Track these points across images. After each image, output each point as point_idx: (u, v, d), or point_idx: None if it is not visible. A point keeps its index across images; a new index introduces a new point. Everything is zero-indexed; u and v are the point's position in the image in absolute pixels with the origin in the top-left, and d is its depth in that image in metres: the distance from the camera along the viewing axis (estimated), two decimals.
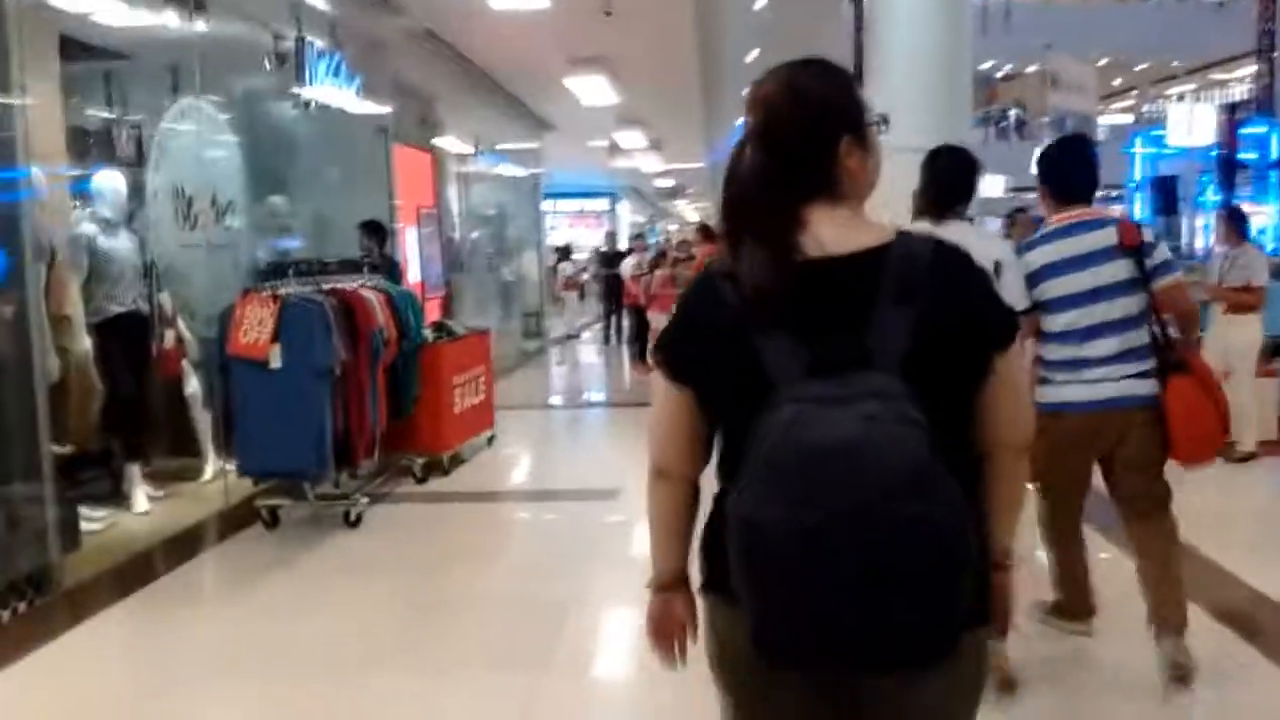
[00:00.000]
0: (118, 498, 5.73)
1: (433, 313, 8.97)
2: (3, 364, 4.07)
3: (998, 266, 2.95)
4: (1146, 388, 3.09)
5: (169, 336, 6.26)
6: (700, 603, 1.58)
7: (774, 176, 1.44)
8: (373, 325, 5.48)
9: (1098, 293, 3.09)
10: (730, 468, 1.43)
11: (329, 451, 5.03)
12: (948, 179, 3.28)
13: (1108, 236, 3.11)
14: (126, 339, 5.65)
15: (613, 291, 14.51)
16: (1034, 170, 3.32)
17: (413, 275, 9.86)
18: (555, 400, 10.84)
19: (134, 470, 5.73)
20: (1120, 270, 3.09)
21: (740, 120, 1.55)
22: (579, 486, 6.27)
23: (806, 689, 1.46)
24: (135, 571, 4.69)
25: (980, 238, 3.25)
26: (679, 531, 1.62)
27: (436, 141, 11.32)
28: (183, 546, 5.16)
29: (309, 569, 4.77)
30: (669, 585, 1.63)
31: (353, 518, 5.32)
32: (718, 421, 1.51)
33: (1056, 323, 3.14)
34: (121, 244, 5.54)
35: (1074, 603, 3.49)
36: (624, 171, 22.89)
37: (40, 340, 4.17)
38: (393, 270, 6.74)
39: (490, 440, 7.60)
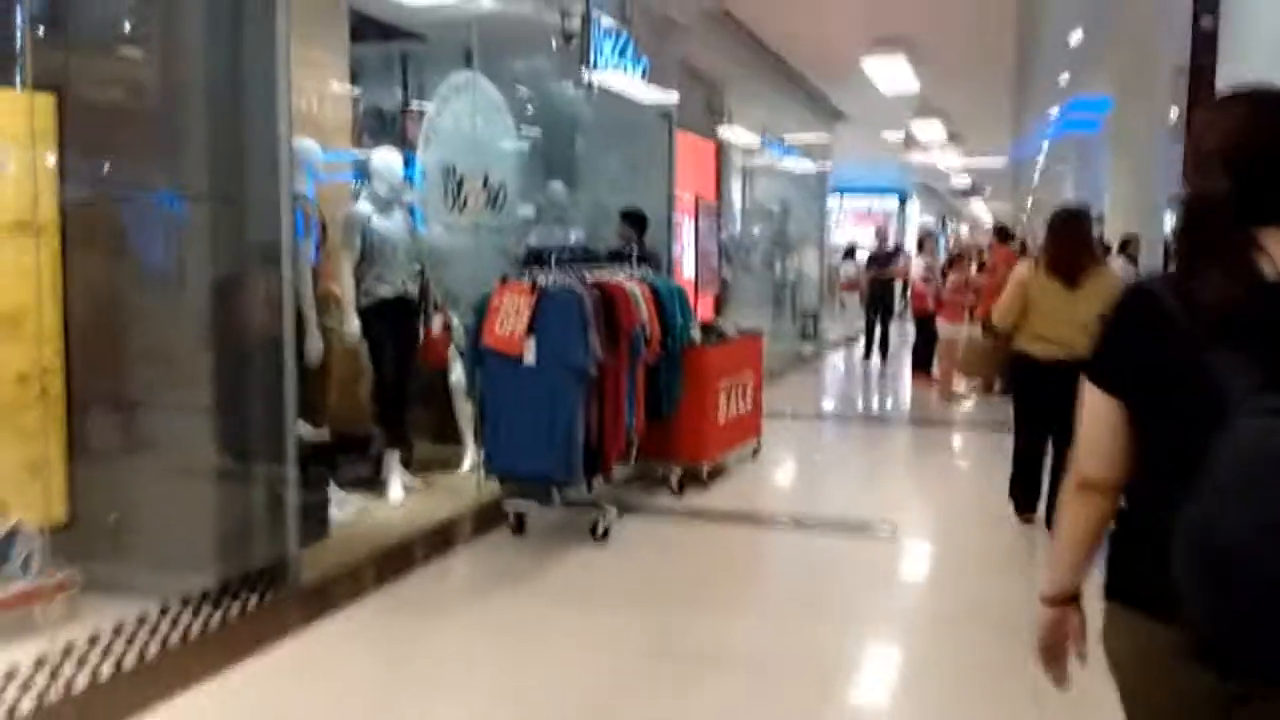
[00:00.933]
0: (374, 484, 5.65)
1: (703, 311, 8.50)
2: (253, 341, 3.93)
3: None
4: None
5: (437, 323, 6.15)
6: (1109, 611, 1.59)
7: (1237, 200, 1.47)
8: (635, 322, 5.04)
9: None
10: (1162, 480, 1.45)
11: (579, 457, 4.62)
12: None
13: None
14: (394, 323, 5.53)
15: (880, 298, 12.94)
16: None
17: (686, 270, 9.46)
18: (828, 411, 10.07)
19: (393, 458, 5.62)
20: None
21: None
22: (848, 517, 5.54)
23: (1216, 697, 1.43)
24: (377, 568, 4.49)
25: None
26: (1092, 546, 1.63)
27: (721, 131, 10.86)
28: (428, 544, 4.93)
29: (548, 586, 4.37)
30: (1067, 599, 1.65)
31: (600, 531, 4.90)
32: (1145, 434, 1.53)
33: None
34: (395, 225, 5.41)
35: None
36: (916, 168, 21.60)
37: (293, 319, 3.99)
38: (653, 263, 6.28)
39: (755, 452, 7.01)
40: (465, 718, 3.19)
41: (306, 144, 4.89)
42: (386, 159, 5.42)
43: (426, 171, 5.34)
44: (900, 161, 19.77)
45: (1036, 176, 29.77)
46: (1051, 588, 1.63)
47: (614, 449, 5.04)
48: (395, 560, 4.61)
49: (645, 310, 5.24)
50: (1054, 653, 1.65)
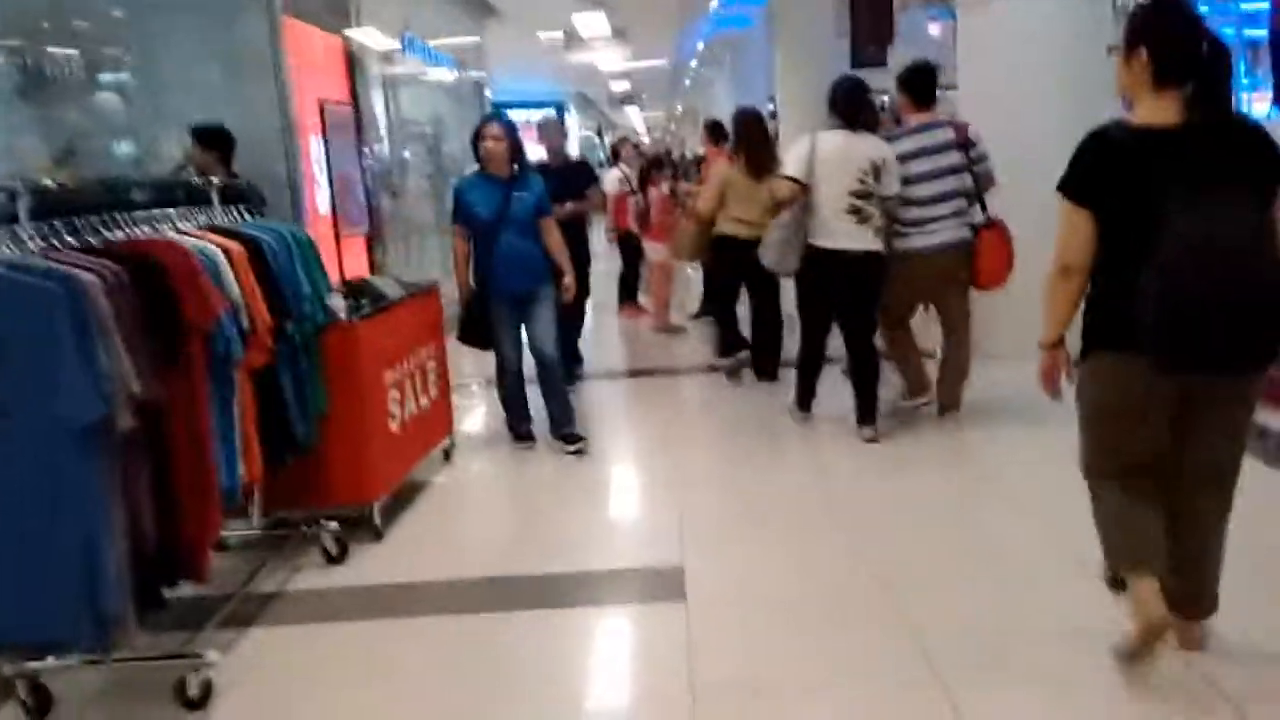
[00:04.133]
0: None
1: (353, 264, 6.26)
2: None
3: (883, 164, 4.68)
4: (966, 235, 4.80)
5: None
6: (1092, 360, 2.53)
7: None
8: (213, 310, 2.83)
9: (938, 173, 4.77)
10: (1122, 259, 2.36)
11: (116, 589, 2.40)
12: (844, 102, 4.82)
13: (946, 134, 4.81)
14: None
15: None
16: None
17: (322, 206, 7.14)
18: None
19: None
20: (954, 158, 4.78)
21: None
22: (613, 560, 3.69)
23: (1173, 394, 2.41)
24: None
25: (868, 143, 4.73)
26: (1074, 311, 2.53)
27: (351, 31, 8.47)
28: None
29: None
30: (1058, 344, 2.59)
31: (194, 690, 2.72)
32: (1109, 232, 2.43)
33: (913, 194, 4.75)
34: None
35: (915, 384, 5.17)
36: (573, 75, 19.89)
37: None
38: (252, 200, 3.99)
39: (448, 455, 5.01)
40: None
41: None
42: None
43: None
44: (557, 68, 17.95)
45: (688, 81, 29.11)
46: (1051, 336, 2.59)
47: (203, 532, 2.86)
48: None
49: (235, 283, 3.04)
50: (1051, 380, 2.61)
